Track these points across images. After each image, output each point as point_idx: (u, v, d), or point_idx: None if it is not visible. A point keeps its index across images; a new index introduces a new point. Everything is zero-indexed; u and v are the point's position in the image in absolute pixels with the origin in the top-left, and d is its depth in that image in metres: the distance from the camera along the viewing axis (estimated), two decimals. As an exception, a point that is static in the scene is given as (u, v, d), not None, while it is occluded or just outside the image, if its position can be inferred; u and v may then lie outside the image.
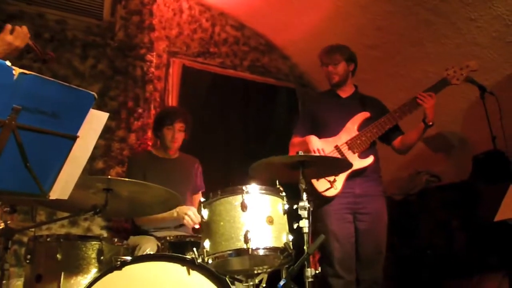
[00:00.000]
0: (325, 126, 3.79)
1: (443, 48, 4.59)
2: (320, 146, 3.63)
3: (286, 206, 2.73)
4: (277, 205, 2.71)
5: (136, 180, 2.87)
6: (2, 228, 2.37)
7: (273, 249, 2.58)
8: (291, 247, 2.62)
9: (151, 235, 3.64)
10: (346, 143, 3.70)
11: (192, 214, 3.44)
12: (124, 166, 4.62)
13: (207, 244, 2.62)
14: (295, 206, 2.74)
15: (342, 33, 4.91)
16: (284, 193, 2.76)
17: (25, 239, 3.09)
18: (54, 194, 2.05)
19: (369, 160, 3.69)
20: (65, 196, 2.10)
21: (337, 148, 3.70)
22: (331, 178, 3.58)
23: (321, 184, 3.60)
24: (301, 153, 2.83)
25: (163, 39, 5.26)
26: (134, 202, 2.90)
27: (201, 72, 5.42)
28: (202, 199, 2.77)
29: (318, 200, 3.62)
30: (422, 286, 4.62)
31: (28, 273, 2.80)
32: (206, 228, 2.69)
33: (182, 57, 5.33)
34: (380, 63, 5.07)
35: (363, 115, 3.79)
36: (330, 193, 3.61)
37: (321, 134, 3.74)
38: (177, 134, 3.97)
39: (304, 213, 2.71)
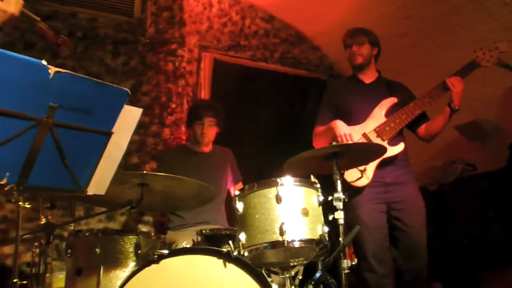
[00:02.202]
0: (349, 114, 3.68)
1: (476, 34, 4.49)
2: (347, 130, 3.52)
3: (321, 198, 2.70)
4: (312, 197, 2.68)
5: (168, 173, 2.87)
6: (44, 223, 2.41)
7: (309, 241, 2.55)
8: (327, 239, 2.58)
9: (187, 228, 3.67)
10: (375, 130, 3.59)
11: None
12: (158, 161, 4.63)
13: (242, 237, 2.61)
14: (330, 198, 2.72)
15: (372, 22, 4.80)
16: (318, 185, 2.73)
17: (65, 234, 3.14)
18: (91, 190, 2.07)
19: (400, 147, 3.57)
20: (102, 191, 2.12)
21: (365, 135, 3.59)
22: (362, 168, 3.50)
23: (351, 174, 3.51)
24: (334, 143, 2.80)
25: (194, 33, 5.26)
26: (168, 196, 2.91)
27: (232, 65, 5.41)
28: (237, 192, 2.76)
29: (348, 191, 3.55)
30: (457, 277, 4.54)
31: (69, 267, 2.85)
32: (242, 221, 2.68)
33: (213, 51, 5.33)
34: (410, 51, 4.99)
35: (391, 101, 3.67)
36: (361, 182, 3.52)
37: (346, 122, 3.61)
38: (206, 129, 3.97)
39: (339, 205, 2.69)
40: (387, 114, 3.64)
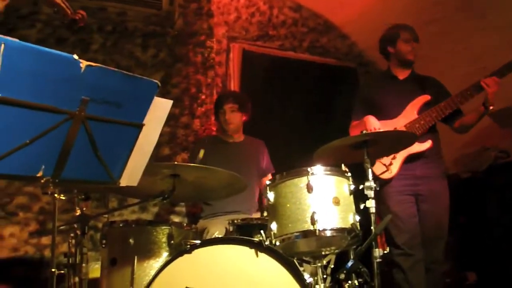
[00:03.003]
0: (382, 110, 3.72)
1: (505, 19, 4.39)
2: (378, 126, 3.58)
3: (352, 187, 2.70)
4: (342, 185, 2.68)
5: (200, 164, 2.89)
6: (79, 215, 2.45)
7: (340, 230, 2.56)
8: (358, 228, 2.59)
9: (219, 217, 3.71)
10: (405, 126, 3.63)
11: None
12: (189, 152, 4.66)
13: (274, 226, 2.62)
14: (361, 186, 2.72)
15: (400, 9, 4.77)
16: (349, 174, 2.72)
17: (100, 225, 3.18)
18: (124, 181, 2.09)
19: (427, 144, 3.59)
20: (134, 182, 2.15)
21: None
22: (387, 161, 3.58)
23: (376, 167, 3.59)
24: (364, 131, 2.79)
25: (222, 24, 5.25)
26: (200, 186, 2.93)
27: (261, 55, 5.39)
28: (268, 182, 2.77)
29: (380, 180, 3.56)
30: (491, 266, 4.48)
31: (105, 257, 2.89)
32: (273, 211, 2.69)
33: (242, 42, 5.31)
34: (439, 38, 4.89)
35: (423, 99, 3.69)
36: (385, 176, 3.59)
37: (379, 118, 3.67)
38: (229, 116, 4.01)
39: (370, 193, 2.69)
40: (419, 111, 3.67)
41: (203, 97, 4.98)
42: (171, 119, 4.76)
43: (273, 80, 5.37)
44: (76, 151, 1.87)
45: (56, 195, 2.00)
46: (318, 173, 2.65)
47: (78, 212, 2.47)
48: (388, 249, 2.70)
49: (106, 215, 3.13)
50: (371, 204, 2.67)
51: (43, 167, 1.83)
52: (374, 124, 3.59)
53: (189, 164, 2.87)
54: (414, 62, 3.83)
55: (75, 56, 1.71)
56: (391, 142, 3.02)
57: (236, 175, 2.84)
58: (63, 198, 2.12)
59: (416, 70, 3.90)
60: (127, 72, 1.87)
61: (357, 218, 2.65)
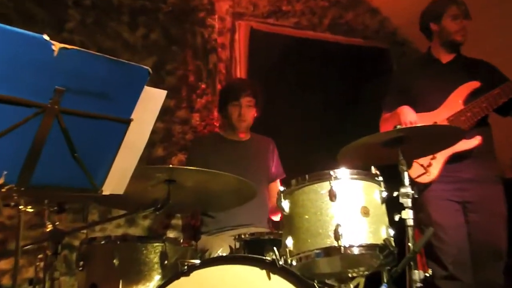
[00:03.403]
0: (420, 100, 3.72)
1: None
2: (414, 118, 3.56)
3: (385, 194, 2.66)
4: (373, 192, 2.65)
5: (198, 167, 2.89)
6: (50, 230, 2.44)
7: (370, 247, 2.53)
8: (393, 244, 2.55)
9: (224, 232, 3.71)
10: (448, 119, 3.61)
11: None
12: (188, 152, 4.65)
13: (289, 242, 2.60)
14: (395, 193, 2.69)
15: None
16: (381, 178, 2.70)
17: (77, 242, 3.17)
18: (107, 189, 2.09)
19: (475, 141, 3.55)
20: (120, 190, 2.15)
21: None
22: (425, 162, 3.55)
23: (412, 169, 3.58)
24: (399, 126, 2.77)
25: (225, -2, 5.26)
26: (201, 194, 2.94)
27: (272, 35, 5.39)
28: (281, 188, 2.74)
29: (418, 185, 3.57)
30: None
31: (81, 282, 2.89)
32: (288, 223, 2.67)
33: (249, 19, 5.31)
34: (490, 11, 4.86)
35: (470, 86, 3.66)
36: (424, 179, 3.58)
37: (417, 109, 3.65)
38: (244, 111, 4.00)
39: (406, 202, 2.66)
40: (466, 101, 3.64)
41: (204, 86, 4.98)
42: (166, 113, 4.77)
43: (287, 66, 5.37)
44: (48, 152, 1.86)
45: (21, 206, 1.99)
46: (343, 177, 2.63)
47: (50, 227, 2.46)
48: (430, 271, 2.67)
49: (85, 231, 3.12)
50: (408, 215, 2.64)
51: (5, 172, 1.82)
52: (410, 116, 3.57)
53: (188, 167, 2.86)
54: (463, 43, 3.80)
55: (46, 37, 1.69)
56: (432, 139, 2.98)
57: (244, 180, 2.84)
58: (31, 210, 2.11)
59: (464, 53, 3.88)
60: (111, 56, 1.86)
61: (391, 232, 2.62)
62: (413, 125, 3.42)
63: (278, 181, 4.11)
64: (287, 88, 5.29)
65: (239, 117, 3.99)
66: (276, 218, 3.90)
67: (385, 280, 2.67)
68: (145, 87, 1.98)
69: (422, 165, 3.56)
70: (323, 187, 2.61)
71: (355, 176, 2.66)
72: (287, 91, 5.27)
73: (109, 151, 2.04)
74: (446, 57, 3.83)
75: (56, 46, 1.71)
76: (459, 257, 3.50)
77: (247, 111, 4.01)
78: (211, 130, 4.83)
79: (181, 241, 3.08)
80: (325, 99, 5.42)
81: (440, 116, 3.63)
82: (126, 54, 4.72)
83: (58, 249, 2.39)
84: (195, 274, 2.55)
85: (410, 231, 2.64)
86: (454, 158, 3.55)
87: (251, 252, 2.81)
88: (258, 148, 4.10)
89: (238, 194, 3.00)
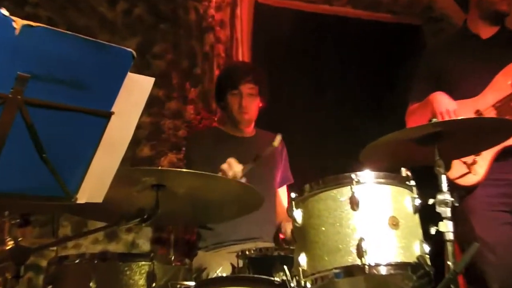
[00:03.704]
0: (457, 84, 3.70)
1: None
2: (452, 106, 3.50)
3: (418, 201, 2.65)
4: (403, 199, 2.63)
5: (197, 170, 2.87)
6: (11, 248, 2.41)
7: (401, 266, 2.51)
8: (428, 263, 2.53)
9: (225, 248, 3.73)
10: (494, 106, 3.58)
11: (228, 167, 3.45)
12: (180, 151, 4.69)
13: (303, 259, 2.59)
14: (431, 201, 2.68)
15: None
16: (413, 182, 2.68)
17: (44, 262, 3.14)
18: (83, 196, 2.07)
19: None
20: (98, 198, 2.13)
21: (478, 113, 3.58)
22: (469, 159, 3.49)
23: (454, 168, 3.53)
24: (434, 120, 2.74)
25: (224, -34, 5.25)
26: (197, 202, 2.94)
27: (281, 10, 5.41)
28: (293, 195, 2.74)
29: (458, 191, 3.49)
30: None
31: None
32: (301, 237, 2.66)
33: (254, -9, 5.32)
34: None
35: None
36: (467, 181, 3.53)
37: (453, 95, 3.60)
38: (246, 101, 4.00)
39: (445, 211, 2.66)
40: None
41: (198, 72, 4.98)
42: (154, 104, 4.78)
43: (298, 47, 5.36)
44: (11, 151, 1.83)
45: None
46: (367, 181, 2.62)
47: (10, 244, 2.44)
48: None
49: (55, 248, 3.10)
50: (446, 227, 2.63)
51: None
52: (447, 104, 3.51)
53: (180, 169, 2.84)
54: (509, 14, 3.77)
55: (4, 11, 1.65)
56: (476, 135, 2.96)
57: (249, 186, 2.84)
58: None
59: (510, 25, 3.87)
60: (85, 36, 1.82)
61: (426, 248, 2.60)
62: (453, 118, 3.38)
63: (285, 187, 4.12)
64: (298, 75, 5.28)
65: (240, 108, 3.99)
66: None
67: (419, 306, 2.66)
68: (128, 73, 1.95)
69: (465, 163, 3.49)
70: (343, 194, 2.60)
71: (382, 180, 2.64)
72: (297, 79, 5.26)
73: (85, 150, 2.01)
74: (486, 31, 3.81)
75: (18, 23, 1.67)
76: (508, 282, 3.45)
77: (249, 101, 4.01)
78: (207, 125, 4.81)
79: (173, 259, 3.06)
80: (344, 88, 5.41)
81: (483, 102, 3.59)
82: (104, 33, 4.73)
83: (21, 271, 2.34)
84: (190, 298, 2.58)
85: (449, 247, 2.63)
86: (504, 155, 3.50)
87: (257, 272, 2.81)
88: (264, 146, 4.09)
89: (241, 202, 2.99)
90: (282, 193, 4.07)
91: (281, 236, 3.71)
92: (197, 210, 3.06)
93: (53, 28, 1.75)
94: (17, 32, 1.67)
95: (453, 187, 3.41)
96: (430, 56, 3.97)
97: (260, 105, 4.06)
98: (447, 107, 3.48)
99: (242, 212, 3.15)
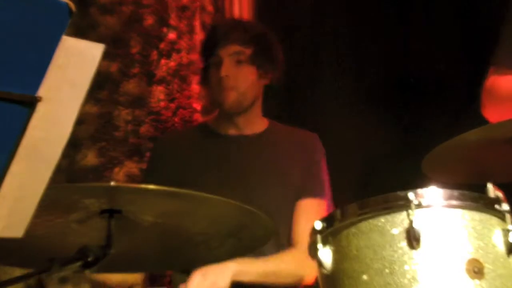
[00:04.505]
0: None
1: None
2: None
3: (513, 235, 2.64)
4: (490, 232, 2.64)
5: (165, 184, 2.86)
6: None
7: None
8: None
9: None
10: None
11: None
12: (143, 158, 4.67)
13: (335, 322, 2.61)
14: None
15: None
16: (506, 206, 2.67)
17: None
18: (-4, 229, 2.06)
19: None
20: (17, 232, 2.12)
21: None
22: None
23: None
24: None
25: None
26: (172, 236, 2.97)
27: None
28: (318, 224, 2.73)
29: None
30: None
31: None
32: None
33: None
34: None
35: None
36: None
37: None
38: (226, 67, 4.05)
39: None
40: None
41: (173, 36, 4.98)
42: (102, 86, 4.79)
43: (334, 13, 5.37)
44: None
45: None
46: (433, 203, 2.64)
47: None
48: None
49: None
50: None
51: None
52: None
53: (146, 185, 2.86)
54: None
55: None
56: None
57: (252, 210, 2.83)
58: None
59: None
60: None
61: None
62: None
63: (313, 200, 4.10)
64: (334, 55, 5.31)
65: (219, 82, 4.06)
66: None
67: None
68: (64, 37, 1.94)
69: None
70: (396, 223, 2.61)
71: (456, 203, 2.65)
72: (333, 60, 5.29)
73: (-4, 158, 2.01)
74: None
75: None
76: None
77: (235, 70, 4.08)
78: (186, 119, 4.82)
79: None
80: (391, 70, 5.43)
81: None
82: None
83: None
84: None
85: None
86: None
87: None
88: (279, 149, 4.10)
89: (240, 235, 3.00)
90: (306, 206, 4.06)
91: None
92: (172, 248, 3.08)
93: None
94: None
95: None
96: None
97: (263, 81, 4.08)
98: None
99: (240, 250, 3.18)
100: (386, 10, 5.52)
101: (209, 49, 4.07)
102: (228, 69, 4.00)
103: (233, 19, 4.85)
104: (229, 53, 4.01)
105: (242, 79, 4.04)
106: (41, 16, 1.91)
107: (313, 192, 4.14)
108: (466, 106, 3.83)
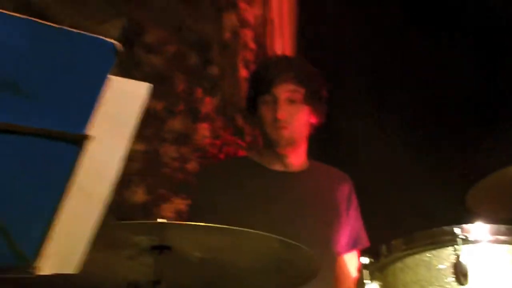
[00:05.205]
0: None
1: None
2: None
3: None
4: None
5: (213, 217, 2.89)
6: None
7: None
8: None
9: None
10: None
11: None
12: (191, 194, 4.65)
13: None
14: None
15: None
16: None
17: None
18: (46, 265, 2.05)
19: None
20: (69, 267, 2.12)
21: None
22: None
23: None
24: None
25: None
26: (218, 271, 2.96)
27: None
28: (365, 260, 2.75)
29: None
30: None
31: None
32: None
33: None
34: None
35: None
36: None
37: None
38: (283, 108, 4.02)
39: None
40: None
41: (216, 71, 4.98)
42: (148, 124, 4.80)
43: (371, 37, 5.36)
44: None
45: None
46: (480, 238, 2.64)
47: None
48: None
49: None
50: None
51: None
52: None
53: (193, 223, 2.82)
54: None
55: None
56: None
57: (297, 245, 2.82)
58: None
59: None
60: (38, 19, 1.81)
61: None
62: None
63: (355, 253, 4.11)
64: (368, 81, 5.30)
65: (274, 121, 4.02)
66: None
67: None
68: (110, 76, 1.93)
69: None
70: (443, 258, 2.61)
71: (502, 238, 2.63)
72: (368, 86, 5.29)
73: (45, 197, 1.99)
74: None
75: None
76: None
77: (289, 110, 4.03)
78: (231, 154, 4.82)
79: None
80: (441, 97, 5.42)
81: None
82: (68, 13, 4.74)
83: None
84: None
85: None
86: None
87: None
88: (321, 188, 4.09)
89: (284, 270, 3.00)
90: (350, 261, 4.06)
91: None
92: (219, 283, 3.08)
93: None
94: None
95: None
96: None
97: (312, 120, 4.07)
98: None
99: (286, 285, 3.17)
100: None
101: (262, 86, 4.04)
102: (284, 109, 3.98)
103: (285, 57, 4.80)
104: (285, 92, 4.00)
105: (297, 119, 4.02)
106: (89, 55, 1.91)
107: (362, 241, 4.16)
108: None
